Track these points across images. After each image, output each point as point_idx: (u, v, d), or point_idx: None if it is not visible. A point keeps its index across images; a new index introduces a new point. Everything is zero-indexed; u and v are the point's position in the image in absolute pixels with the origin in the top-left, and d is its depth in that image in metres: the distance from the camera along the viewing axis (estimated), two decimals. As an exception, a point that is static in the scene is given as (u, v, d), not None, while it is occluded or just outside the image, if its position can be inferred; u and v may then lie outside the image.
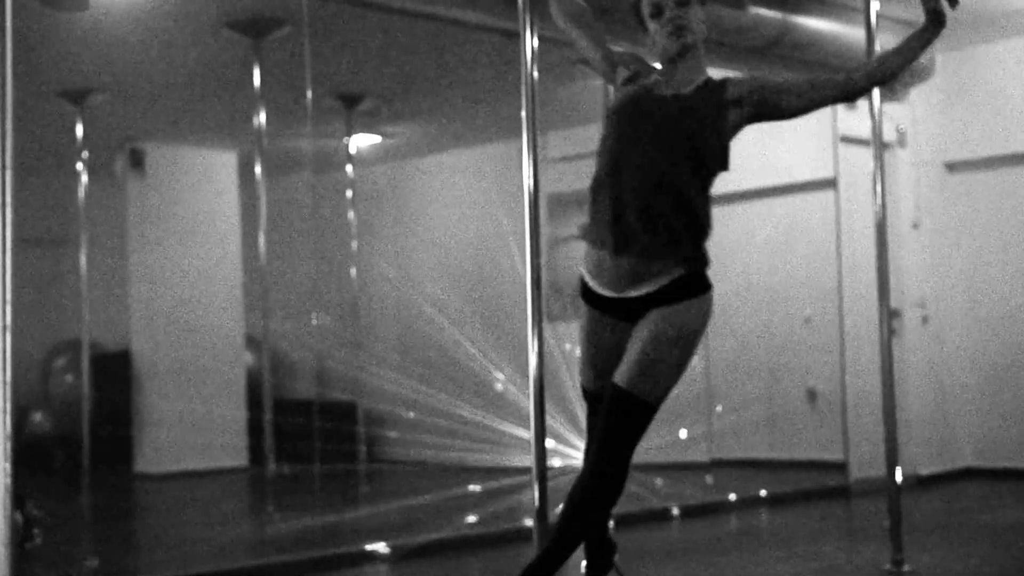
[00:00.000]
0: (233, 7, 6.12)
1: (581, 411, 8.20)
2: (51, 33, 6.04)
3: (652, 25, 3.14)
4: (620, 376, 3.00)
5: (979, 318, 7.98)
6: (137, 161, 9.27)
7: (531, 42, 3.59)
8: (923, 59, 7.55)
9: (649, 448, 8.25)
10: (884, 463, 4.63)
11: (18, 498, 4.91)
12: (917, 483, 7.51)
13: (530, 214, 3.59)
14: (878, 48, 4.66)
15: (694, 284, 3.04)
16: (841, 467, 7.52)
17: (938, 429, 7.89)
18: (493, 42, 5.83)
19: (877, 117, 4.72)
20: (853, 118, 7.41)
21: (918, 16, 7.66)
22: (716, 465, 8.19)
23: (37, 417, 9.70)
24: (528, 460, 3.57)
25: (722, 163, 3.12)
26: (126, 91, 7.71)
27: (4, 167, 2.09)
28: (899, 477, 4.66)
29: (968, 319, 8.03)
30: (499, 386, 8.87)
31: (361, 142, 9.10)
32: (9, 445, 2.34)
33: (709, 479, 7.84)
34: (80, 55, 6.73)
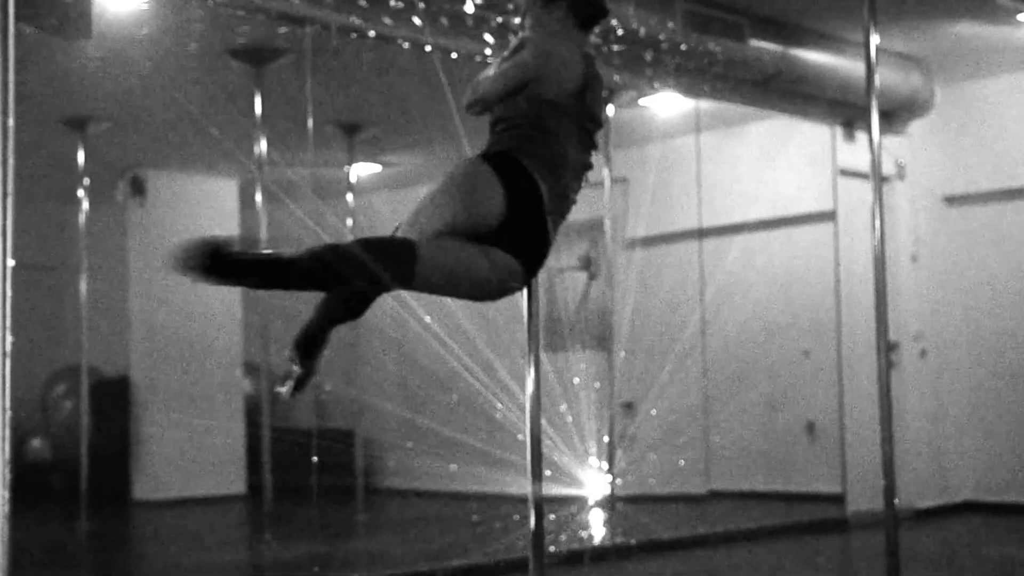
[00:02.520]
0: (235, 36, 6.16)
1: (579, 438, 8.22)
2: (53, 61, 6.07)
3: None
4: None
5: (978, 351, 7.98)
6: (138, 188, 9.30)
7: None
8: (923, 93, 7.60)
9: (647, 479, 8.25)
10: (882, 496, 4.62)
11: None
12: (915, 516, 7.49)
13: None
14: (878, 81, 4.68)
15: None
16: (839, 500, 7.50)
17: (936, 462, 7.87)
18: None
19: (876, 150, 4.74)
20: (852, 151, 7.44)
21: (917, 50, 7.72)
22: (714, 496, 8.17)
23: (36, 443, 9.68)
24: (525, 489, 3.57)
25: None
26: (128, 118, 7.75)
27: (5, 194, 2.10)
28: (897, 510, 4.64)
29: (967, 352, 8.03)
30: (497, 415, 8.85)
31: (362, 171, 9.13)
32: (7, 471, 2.34)
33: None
34: (82, 83, 6.76)
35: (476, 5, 5.23)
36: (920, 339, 7.90)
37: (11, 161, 2.09)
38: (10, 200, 2.08)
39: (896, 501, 4.63)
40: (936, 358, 7.98)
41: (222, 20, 5.81)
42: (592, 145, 3.19)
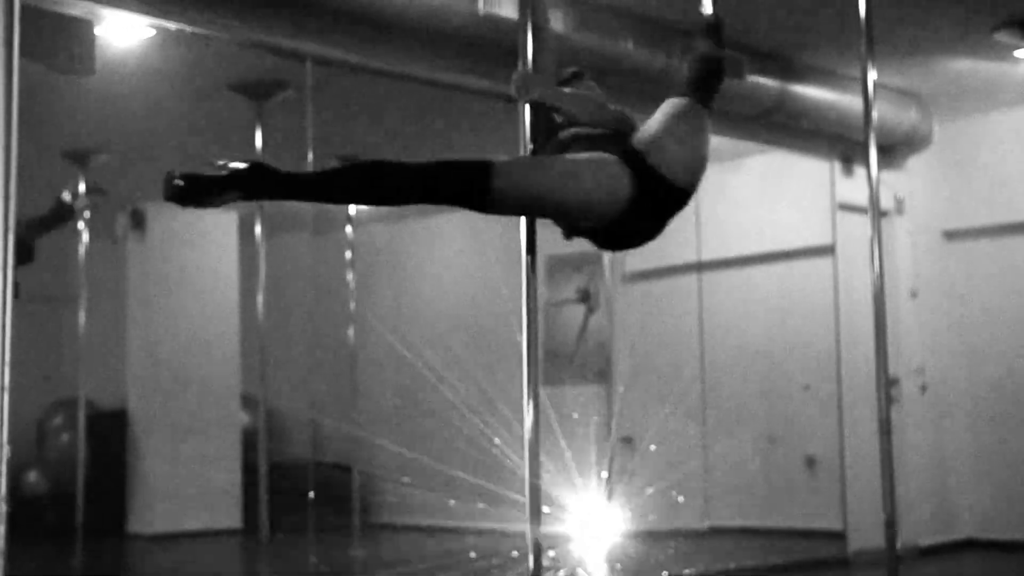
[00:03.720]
0: (236, 70, 6.19)
1: (577, 473, 8.13)
2: (56, 95, 6.09)
3: None
4: None
5: (978, 387, 7.96)
6: (138, 221, 9.31)
7: (529, 106, 3.62)
8: (922, 128, 7.63)
9: (646, 514, 8.19)
10: (883, 533, 4.59)
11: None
12: (917, 554, 7.44)
13: (527, 276, 3.59)
14: (875, 116, 4.69)
15: None
16: (840, 536, 7.46)
17: (938, 499, 7.83)
18: (491, 106, 5.88)
19: (875, 185, 4.74)
20: (851, 185, 7.46)
21: (915, 85, 7.74)
22: (714, 532, 8.13)
23: (32, 476, 9.64)
24: (524, 525, 3.55)
25: None
26: (129, 152, 7.77)
27: (7, 229, 2.10)
28: (899, 548, 4.61)
29: (967, 388, 8.00)
30: (495, 450, 8.81)
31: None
32: (4, 507, 2.32)
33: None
34: (84, 117, 6.79)
35: (475, 41, 5.26)
36: (921, 374, 7.89)
37: (14, 197, 2.09)
38: (11, 236, 2.08)
39: (898, 538, 4.60)
40: (937, 393, 7.95)
41: (223, 55, 5.84)
42: None
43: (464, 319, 9.65)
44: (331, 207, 8.70)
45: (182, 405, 9.41)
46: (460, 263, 9.62)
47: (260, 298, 6.95)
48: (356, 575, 7.41)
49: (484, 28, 5.18)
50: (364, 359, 9.14)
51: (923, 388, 7.89)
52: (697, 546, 7.72)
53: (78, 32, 4.37)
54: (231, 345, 9.69)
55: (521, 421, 3.58)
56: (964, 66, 6.84)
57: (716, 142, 8.40)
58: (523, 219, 3.57)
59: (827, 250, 7.73)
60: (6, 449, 2.34)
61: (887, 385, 4.65)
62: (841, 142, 7.25)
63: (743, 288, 8.64)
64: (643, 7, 5.78)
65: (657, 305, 8.89)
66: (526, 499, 3.53)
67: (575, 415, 8.27)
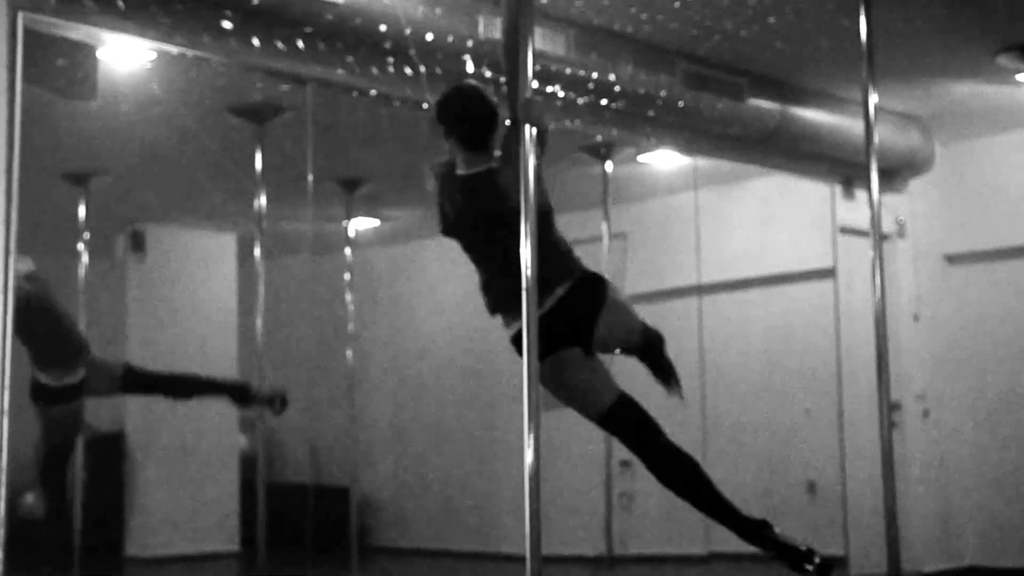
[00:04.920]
0: (237, 93, 6.19)
1: (576, 498, 8.11)
2: (57, 118, 6.09)
3: None
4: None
5: (981, 412, 7.93)
6: (138, 243, 9.30)
7: (529, 129, 3.62)
8: (923, 151, 7.63)
9: (646, 539, 8.15)
10: (886, 559, 4.56)
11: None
12: (920, 581, 7.40)
13: (527, 299, 3.58)
14: (877, 139, 4.69)
15: None
16: (842, 562, 7.42)
17: (941, 525, 7.79)
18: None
19: (876, 208, 4.74)
20: (852, 209, 7.45)
21: (917, 109, 7.75)
22: (714, 558, 8.08)
23: (29, 499, 9.59)
24: (522, 548, 3.52)
25: None
26: (129, 174, 7.77)
27: (8, 251, 2.09)
28: (901, 574, 4.58)
29: (970, 413, 7.97)
30: (495, 471, 8.79)
31: (360, 225, 9.15)
32: (2, 532, 2.30)
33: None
34: (85, 140, 6.79)
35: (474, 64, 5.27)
36: (923, 399, 7.86)
37: (15, 221, 2.08)
38: (12, 258, 2.07)
39: (900, 565, 4.57)
40: (939, 418, 7.92)
41: (224, 78, 5.84)
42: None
43: (463, 341, 9.63)
44: (330, 229, 8.71)
45: (180, 427, 9.37)
46: (460, 285, 9.60)
47: (259, 320, 6.93)
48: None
49: (484, 52, 5.19)
50: (363, 381, 9.12)
51: (925, 413, 7.86)
52: (697, 572, 7.68)
53: (79, 56, 4.37)
54: (229, 367, 9.66)
55: (520, 443, 3.56)
56: (966, 90, 6.85)
57: (716, 164, 8.44)
58: (524, 242, 3.57)
59: (828, 273, 7.72)
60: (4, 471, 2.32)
61: (888, 410, 4.63)
62: (842, 165, 7.25)
63: (743, 311, 8.62)
64: (643, 31, 5.78)
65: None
66: (526, 522, 3.51)
67: (575, 438, 8.25)
